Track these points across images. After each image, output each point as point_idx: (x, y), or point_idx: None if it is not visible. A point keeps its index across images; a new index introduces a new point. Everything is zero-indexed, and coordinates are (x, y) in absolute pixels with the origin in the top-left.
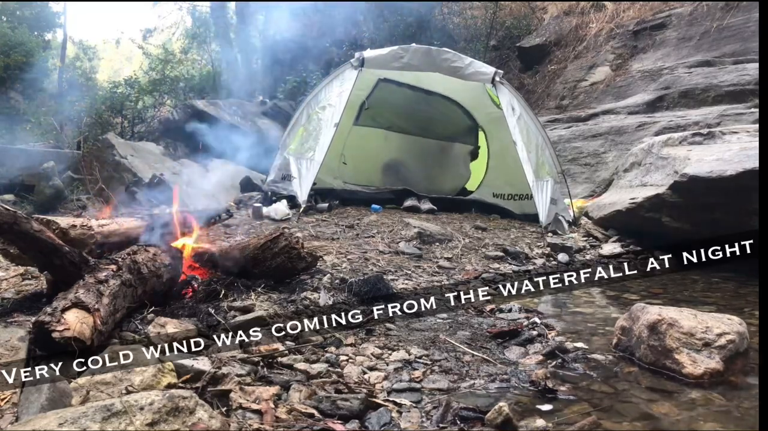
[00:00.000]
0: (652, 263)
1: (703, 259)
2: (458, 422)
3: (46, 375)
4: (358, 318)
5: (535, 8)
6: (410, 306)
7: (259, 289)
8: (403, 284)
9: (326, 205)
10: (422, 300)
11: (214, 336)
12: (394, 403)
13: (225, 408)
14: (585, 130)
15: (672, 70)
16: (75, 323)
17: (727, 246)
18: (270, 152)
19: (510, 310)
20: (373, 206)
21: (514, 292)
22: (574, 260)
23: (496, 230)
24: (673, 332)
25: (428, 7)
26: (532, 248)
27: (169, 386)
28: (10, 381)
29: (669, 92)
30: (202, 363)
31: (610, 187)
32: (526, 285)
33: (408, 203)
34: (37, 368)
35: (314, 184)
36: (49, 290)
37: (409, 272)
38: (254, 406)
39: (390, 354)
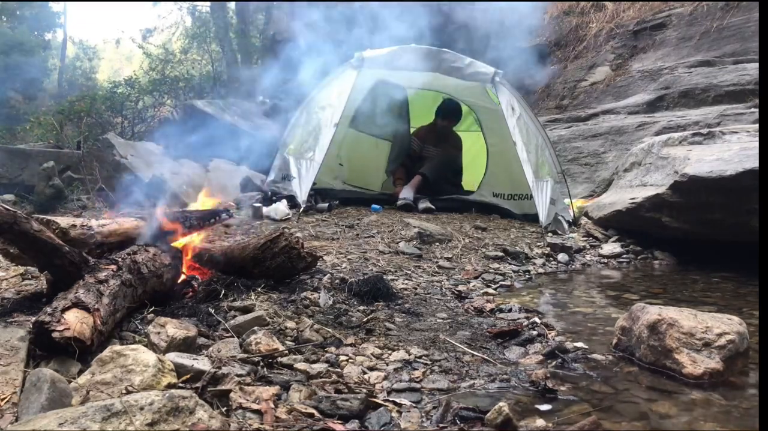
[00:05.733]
0: (652, 263)
1: (703, 259)
2: (458, 422)
3: (47, 375)
4: (359, 318)
5: (535, 8)
6: (410, 306)
7: (259, 289)
8: (403, 284)
9: (326, 205)
10: (422, 300)
11: (215, 336)
12: (394, 403)
13: (225, 408)
14: (585, 130)
15: (672, 70)
16: (75, 323)
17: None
18: (270, 152)
19: (510, 310)
20: (373, 206)
21: (514, 292)
22: (574, 260)
23: (496, 230)
24: (673, 332)
25: (428, 7)
26: (532, 248)
27: (169, 386)
28: (10, 381)
29: (669, 92)
30: (202, 363)
31: (610, 187)
32: (526, 285)
33: (401, 201)
34: (37, 368)
35: (314, 184)
36: (49, 290)
37: (409, 272)
38: (254, 406)
39: (390, 354)
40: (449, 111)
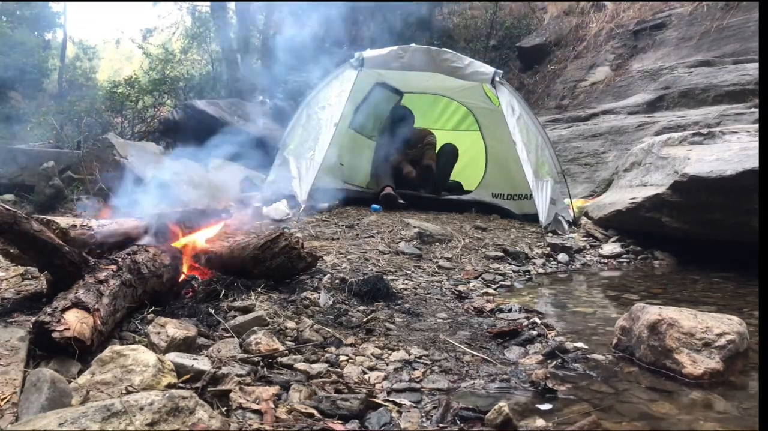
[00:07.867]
0: (652, 263)
1: (703, 259)
2: (458, 422)
3: (47, 375)
4: (359, 318)
5: (535, 8)
6: (410, 306)
7: (259, 289)
8: (403, 284)
9: (326, 205)
10: (422, 300)
11: (215, 336)
12: (394, 403)
13: (225, 408)
14: (585, 130)
15: (672, 70)
16: (75, 323)
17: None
18: (270, 152)
19: (510, 310)
20: (373, 206)
21: (514, 292)
22: (574, 260)
23: (496, 230)
24: (673, 332)
25: (428, 7)
26: (532, 248)
27: (169, 386)
28: (10, 381)
29: (669, 92)
30: (202, 363)
31: (610, 187)
32: (526, 285)
33: (383, 193)
34: (37, 368)
35: (314, 184)
36: (49, 290)
37: (409, 272)
38: (254, 406)
39: (390, 354)
40: (396, 120)
